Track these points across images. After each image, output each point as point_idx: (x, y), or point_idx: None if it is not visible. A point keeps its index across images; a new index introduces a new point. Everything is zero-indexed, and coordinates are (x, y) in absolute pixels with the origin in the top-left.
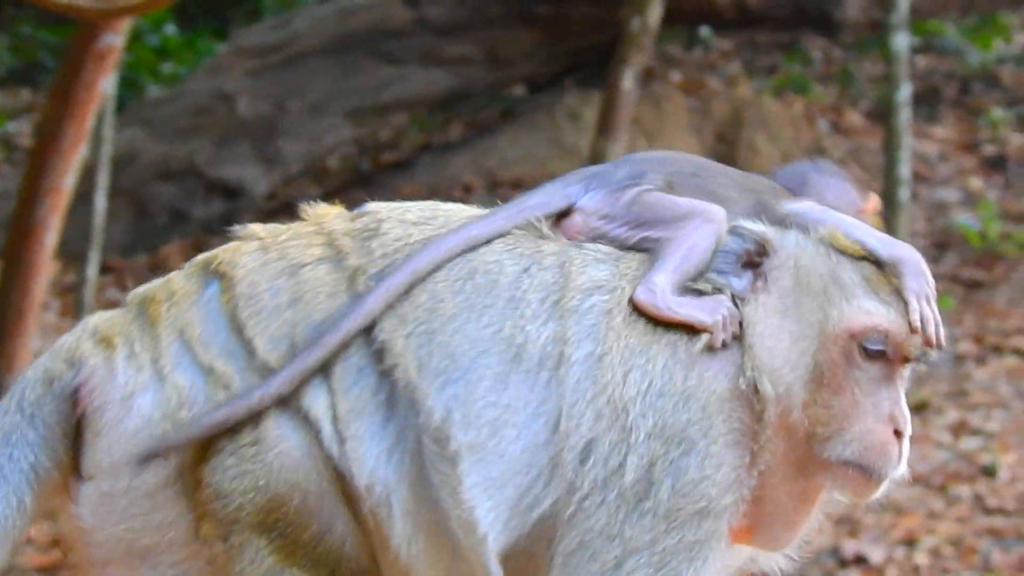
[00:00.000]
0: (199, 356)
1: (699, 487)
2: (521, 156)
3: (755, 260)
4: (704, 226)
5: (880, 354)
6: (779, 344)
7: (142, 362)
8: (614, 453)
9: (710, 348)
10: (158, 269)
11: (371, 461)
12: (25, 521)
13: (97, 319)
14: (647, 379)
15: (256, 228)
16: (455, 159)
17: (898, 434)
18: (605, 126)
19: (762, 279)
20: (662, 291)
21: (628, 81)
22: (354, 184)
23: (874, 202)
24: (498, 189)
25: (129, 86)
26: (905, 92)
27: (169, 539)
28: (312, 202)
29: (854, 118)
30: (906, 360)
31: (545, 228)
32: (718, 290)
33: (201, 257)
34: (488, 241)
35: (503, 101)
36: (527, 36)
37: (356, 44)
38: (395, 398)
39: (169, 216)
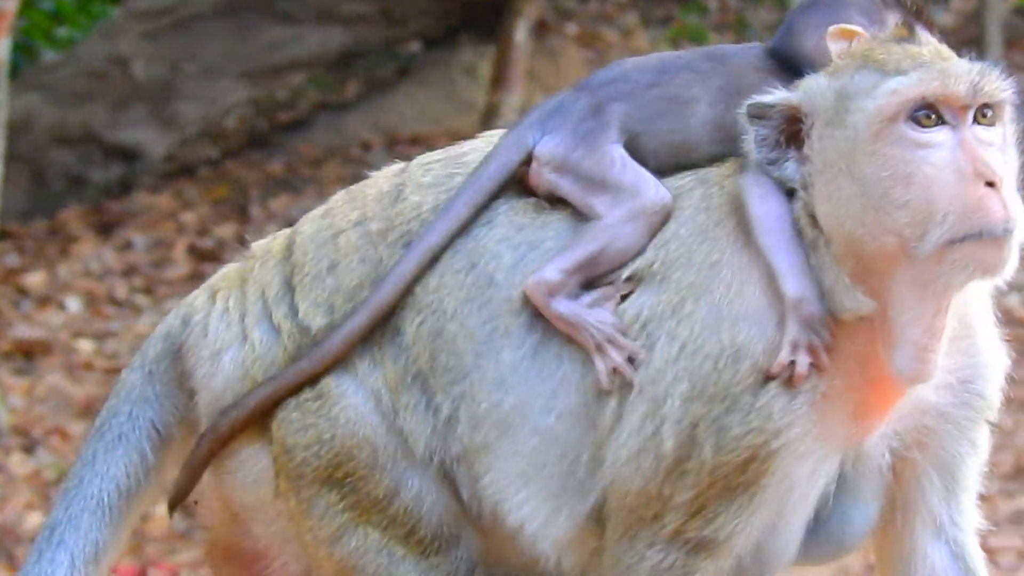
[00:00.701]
0: (273, 315)
1: (743, 440)
2: (418, 113)
3: (794, 130)
4: (633, 222)
5: (936, 118)
6: (830, 204)
7: (232, 318)
8: (647, 422)
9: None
10: (57, 234)
11: (427, 431)
12: (151, 479)
13: (222, 271)
14: (676, 344)
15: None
16: (352, 117)
17: (992, 184)
18: (499, 80)
19: (808, 147)
20: (552, 288)
21: (521, 34)
22: (252, 145)
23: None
24: (396, 147)
25: (24, 51)
26: None
27: (259, 497)
28: (209, 163)
29: None
30: (965, 108)
31: (545, 201)
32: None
33: (302, 219)
34: (467, 224)
35: (399, 58)
36: None
37: (250, 4)
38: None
39: (67, 181)
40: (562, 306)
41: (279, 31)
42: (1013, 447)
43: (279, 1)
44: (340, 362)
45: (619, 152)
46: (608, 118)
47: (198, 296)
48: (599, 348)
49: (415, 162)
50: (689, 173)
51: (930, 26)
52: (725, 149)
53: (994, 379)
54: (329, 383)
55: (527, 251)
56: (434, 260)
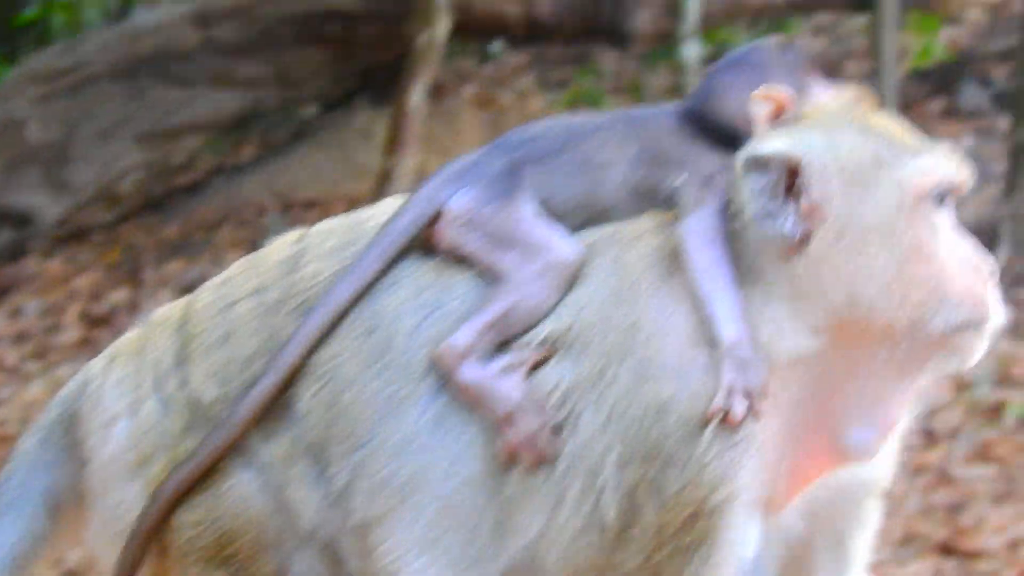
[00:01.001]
0: (165, 387)
1: (683, 495)
2: (314, 176)
3: (792, 185)
4: (542, 278)
5: (944, 202)
6: (850, 265)
7: (125, 388)
8: (586, 498)
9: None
10: None
11: (315, 503)
12: (40, 547)
13: (123, 337)
14: (602, 412)
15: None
16: (248, 180)
17: (988, 279)
18: (394, 143)
19: (808, 200)
20: (462, 353)
21: (416, 97)
22: (147, 209)
23: (831, 90)
24: (291, 210)
25: None
26: None
27: (144, 572)
28: (103, 227)
29: None
30: (956, 194)
31: (449, 263)
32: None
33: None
34: (374, 282)
35: (295, 121)
36: (317, 55)
37: (145, 67)
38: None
39: None
40: (470, 373)
41: (174, 94)
42: (904, 514)
43: (174, 64)
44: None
45: (530, 209)
46: (521, 178)
47: (97, 362)
48: (506, 420)
49: (315, 229)
50: (598, 231)
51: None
52: (645, 211)
53: (891, 451)
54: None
55: (429, 313)
56: (341, 319)
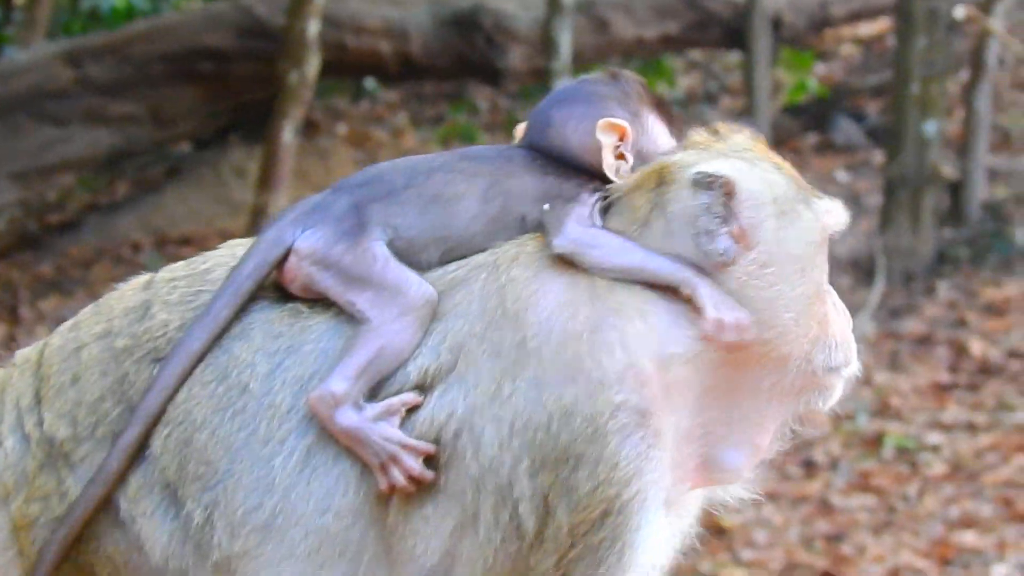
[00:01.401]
0: (25, 424)
1: (596, 495)
2: (188, 213)
3: (729, 207)
4: (403, 319)
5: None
6: (770, 291)
7: None
8: (501, 512)
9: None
10: None
11: (164, 539)
12: None
13: None
14: (504, 426)
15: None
16: (122, 218)
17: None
18: (266, 180)
19: (738, 227)
20: (337, 399)
21: (288, 134)
22: (21, 246)
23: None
24: (166, 247)
25: None
26: None
27: None
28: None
29: None
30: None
31: (303, 306)
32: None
33: (61, 325)
34: (226, 327)
35: (168, 159)
36: (190, 93)
37: (18, 105)
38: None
39: None
40: (345, 420)
41: (48, 132)
42: (785, 544)
43: (48, 102)
44: (121, 477)
45: (381, 249)
46: (368, 217)
47: None
48: (383, 467)
49: (161, 275)
50: (453, 266)
51: (673, 123)
52: (502, 240)
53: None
54: (76, 495)
55: (284, 357)
56: (197, 363)
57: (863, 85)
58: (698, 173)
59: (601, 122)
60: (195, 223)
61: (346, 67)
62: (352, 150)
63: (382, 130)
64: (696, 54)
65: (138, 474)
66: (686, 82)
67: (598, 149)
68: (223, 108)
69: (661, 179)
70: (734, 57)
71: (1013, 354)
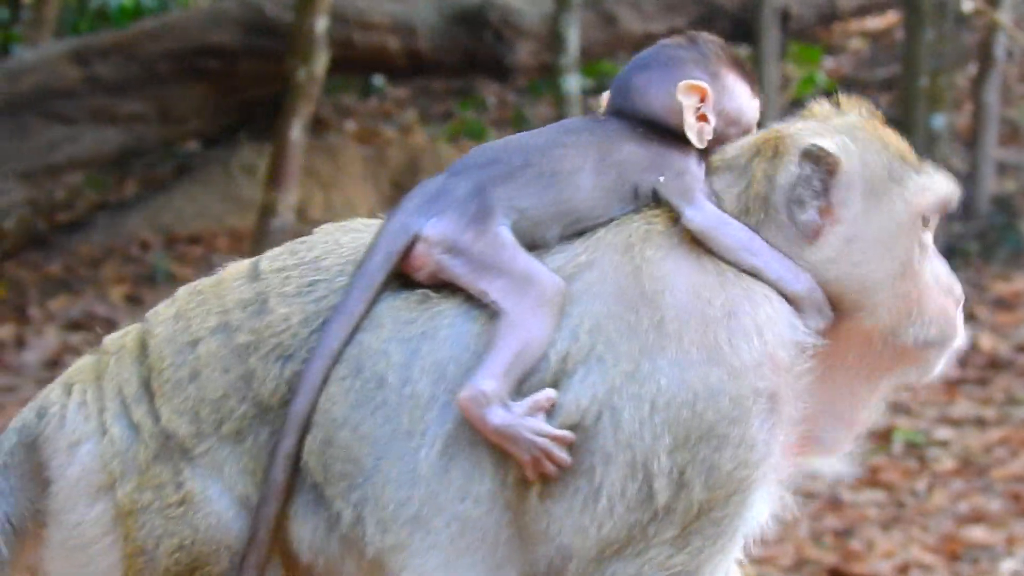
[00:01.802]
0: (133, 414)
1: (733, 474)
2: (197, 211)
3: (826, 181)
4: (539, 310)
5: (928, 223)
6: (857, 269)
7: (90, 412)
8: (630, 485)
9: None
10: None
11: (308, 535)
12: (2, 572)
13: (76, 364)
14: (645, 404)
15: (180, 292)
16: (131, 217)
17: (956, 302)
18: (275, 177)
19: (827, 201)
20: (489, 398)
21: (296, 131)
22: (30, 246)
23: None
24: (175, 245)
25: None
26: None
27: None
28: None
29: None
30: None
31: (431, 292)
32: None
33: (150, 313)
34: (358, 323)
35: (177, 157)
36: (198, 91)
37: (26, 105)
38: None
39: None
40: (498, 418)
41: (56, 131)
42: (794, 540)
43: (56, 101)
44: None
45: (508, 235)
46: (492, 200)
47: (53, 389)
48: (535, 463)
49: (266, 264)
50: (579, 247)
51: (754, 82)
52: (619, 211)
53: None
54: (195, 488)
55: (420, 343)
56: (336, 363)
57: (872, 79)
58: (812, 145)
59: (681, 84)
60: (204, 221)
61: (354, 64)
62: (361, 147)
63: (391, 127)
64: None
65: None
66: None
67: (680, 112)
68: (231, 106)
69: (776, 150)
70: (742, 51)
71: (1022, 348)
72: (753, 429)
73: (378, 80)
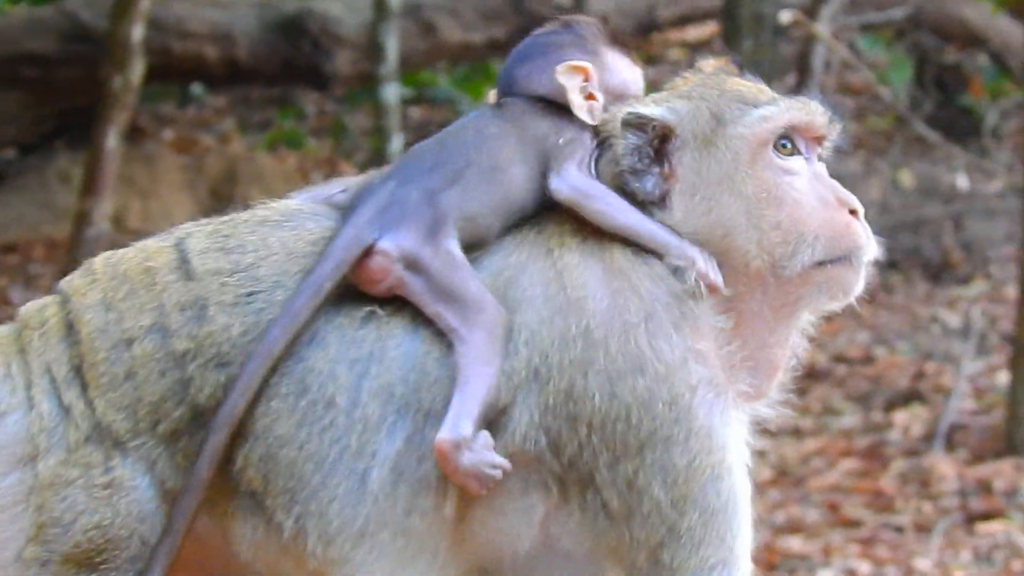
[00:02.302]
0: (62, 394)
1: (694, 466)
2: (13, 219)
3: (660, 148)
4: (493, 343)
5: (794, 149)
6: (708, 218)
7: (16, 385)
8: (582, 497)
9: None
10: None
11: (248, 534)
12: None
13: None
14: (581, 425)
15: (98, 266)
16: None
17: (854, 213)
18: (91, 186)
19: (668, 165)
20: (463, 443)
21: (112, 140)
22: None
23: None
24: None
25: None
26: (397, 143)
27: (3, 557)
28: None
29: (349, 170)
30: (819, 142)
31: (379, 309)
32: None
33: (65, 285)
34: (301, 330)
35: None
36: (14, 99)
37: None
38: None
39: None
40: (467, 461)
41: None
42: None
43: None
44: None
45: (458, 250)
46: (444, 209)
47: None
48: (482, 486)
49: (198, 263)
50: (507, 248)
51: (632, 54)
52: (545, 199)
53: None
54: (124, 475)
55: (369, 364)
56: (276, 365)
57: None
58: (630, 114)
59: (560, 67)
60: (20, 229)
61: (172, 72)
62: (178, 156)
63: (209, 135)
64: None
65: (218, 479)
66: None
67: (565, 93)
68: (48, 114)
69: (618, 128)
70: None
71: (839, 359)
72: (700, 420)
73: (196, 88)
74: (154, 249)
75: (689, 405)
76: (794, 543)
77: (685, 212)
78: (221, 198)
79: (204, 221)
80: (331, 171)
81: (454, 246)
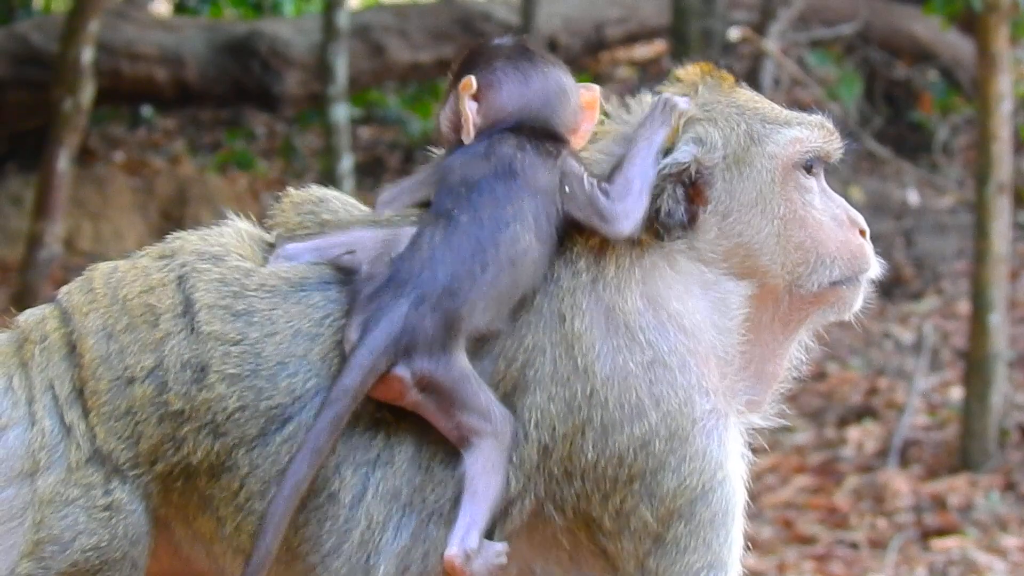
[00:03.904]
0: (64, 413)
1: (686, 483)
2: None
3: (695, 187)
4: (500, 452)
5: (812, 169)
6: (740, 239)
7: (18, 399)
8: (578, 534)
9: None
10: None
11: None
12: None
13: None
14: (575, 479)
15: (97, 283)
16: None
17: (863, 233)
18: (42, 208)
19: (701, 197)
20: (472, 555)
21: (63, 162)
22: None
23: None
24: None
25: None
26: (347, 163)
27: None
28: None
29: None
30: (828, 161)
31: (388, 416)
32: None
33: (64, 298)
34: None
35: None
36: None
37: None
38: None
39: None
40: (477, 568)
41: None
42: None
43: None
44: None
45: (466, 365)
46: (459, 328)
47: None
48: None
49: (205, 317)
50: (521, 329)
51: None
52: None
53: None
54: (123, 499)
55: (376, 468)
56: (303, 493)
57: None
58: (673, 167)
59: (583, 93)
60: None
61: (122, 94)
62: (129, 177)
63: (159, 157)
64: None
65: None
66: None
67: (578, 119)
68: None
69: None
70: None
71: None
72: (696, 446)
73: (146, 110)
74: (156, 281)
75: (688, 435)
76: (748, 560)
77: (718, 232)
78: (172, 219)
79: (199, 235)
80: (282, 191)
81: (462, 359)
